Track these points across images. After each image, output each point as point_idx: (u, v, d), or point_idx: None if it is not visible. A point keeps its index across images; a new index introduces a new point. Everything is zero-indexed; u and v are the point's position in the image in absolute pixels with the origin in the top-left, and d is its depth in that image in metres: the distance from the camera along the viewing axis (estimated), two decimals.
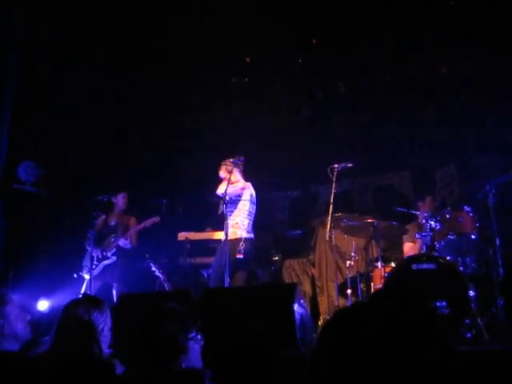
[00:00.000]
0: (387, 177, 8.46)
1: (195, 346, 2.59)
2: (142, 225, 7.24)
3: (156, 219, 7.21)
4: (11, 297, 3.13)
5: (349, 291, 6.03)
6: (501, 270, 5.40)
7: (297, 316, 4.40)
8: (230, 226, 6.05)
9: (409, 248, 6.59)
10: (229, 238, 5.97)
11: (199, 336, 2.64)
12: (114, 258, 7.17)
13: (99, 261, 7.12)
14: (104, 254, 7.16)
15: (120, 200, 7.48)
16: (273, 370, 2.06)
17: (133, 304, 4.80)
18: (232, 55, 7.93)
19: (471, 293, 5.12)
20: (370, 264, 6.50)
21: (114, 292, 7.07)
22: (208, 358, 2.54)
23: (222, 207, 5.84)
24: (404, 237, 6.64)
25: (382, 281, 5.70)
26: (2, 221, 7.08)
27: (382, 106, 7.88)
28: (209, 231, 7.41)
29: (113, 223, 7.42)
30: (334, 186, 6.11)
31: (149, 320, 2.58)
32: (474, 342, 4.80)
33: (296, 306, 4.46)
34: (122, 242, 7.18)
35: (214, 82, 8.20)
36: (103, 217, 7.34)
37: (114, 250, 7.19)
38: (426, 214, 5.98)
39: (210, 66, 7.86)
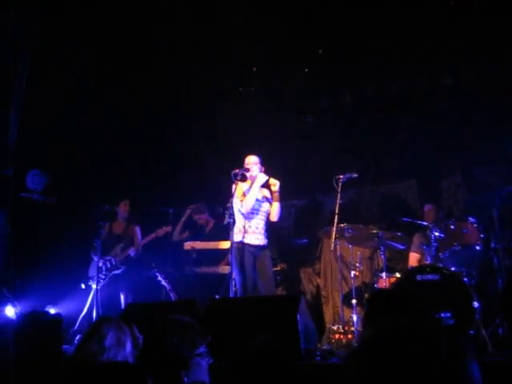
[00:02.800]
0: (393, 186, 8.43)
1: (202, 362, 2.54)
2: (154, 234, 7.28)
3: (168, 228, 7.27)
4: None
5: (354, 301, 6.03)
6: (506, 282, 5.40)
7: (301, 326, 4.41)
8: None
9: (414, 258, 6.59)
10: None
11: (207, 353, 2.58)
12: (124, 267, 7.20)
13: (108, 270, 7.14)
14: (114, 263, 7.18)
15: (122, 208, 7.51)
16: None
17: (139, 313, 4.84)
18: (238, 64, 7.97)
19: (475, 304, 5.11)
20: (375, 274, 6.50)
21: (123, 301, 7.10)
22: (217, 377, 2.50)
23: (227, 217, 5.84)
24: (411, 246, 6.64)
25: None
26: (10, 229, 7.12)
27: (387, 115, 7.89)
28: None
29: (117, 232, 7.45)
30: (338, 197, 6.14)
31: (153, 332, 2.57)
32: (478, 353, 4.79)
33: (300, 317, 4.47)
34: (133, 253, 7.21)
35: (219, 91, 8.25)
36: (106, 225, 7.38)
37: (124, 259, 7.22)
38: (431, 225, 5.98)
39: (215, 75, 7.90)
